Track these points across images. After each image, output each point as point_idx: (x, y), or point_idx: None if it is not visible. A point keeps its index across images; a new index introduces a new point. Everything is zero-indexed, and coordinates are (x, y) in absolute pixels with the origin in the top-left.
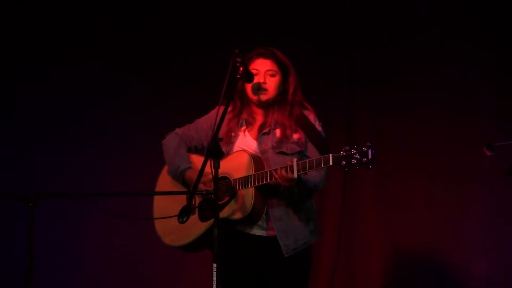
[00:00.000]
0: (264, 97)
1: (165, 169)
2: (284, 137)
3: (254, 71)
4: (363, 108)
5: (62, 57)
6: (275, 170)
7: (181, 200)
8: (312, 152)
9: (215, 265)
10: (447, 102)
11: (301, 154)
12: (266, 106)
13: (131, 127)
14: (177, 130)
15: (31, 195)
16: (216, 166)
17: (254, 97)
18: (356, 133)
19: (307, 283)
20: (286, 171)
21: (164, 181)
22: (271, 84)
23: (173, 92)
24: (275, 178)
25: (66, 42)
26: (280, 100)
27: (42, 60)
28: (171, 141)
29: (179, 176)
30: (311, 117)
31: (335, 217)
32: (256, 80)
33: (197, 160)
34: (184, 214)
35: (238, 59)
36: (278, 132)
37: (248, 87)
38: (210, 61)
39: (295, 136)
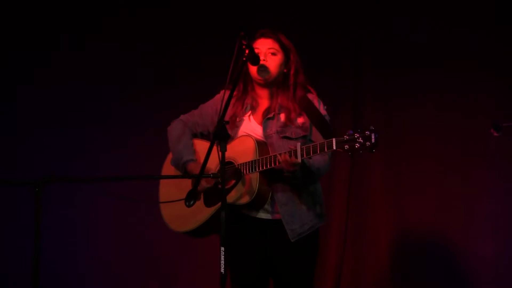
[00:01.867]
0: (266, 76)
1: (170, 156)
2: (289, 121)
3: (256, 50)
4: (370, 92)
5: (73, 41)
6: (279, 154)
7: (186, 186)
8: (317, 136)
9: (222, 248)
10: (454, 85)
11: (306, 139)
12: (268, 86)
13: (138, 112)
14: (182, 117)
15: (37, 180)
16: (223, 150)
17: (258, 77)
18: (364, 118)
19: (314, 266)
20: (290, 156)
21: (169, 168)
22: (272, 63)
23: (179, 76)
24: (279, 162)
25: (72, 24)
26: (282, 81)
27: (46, 43)
28: (176, 129)
29: (181, 168)
30: (315, 101)
31: (343, 201)
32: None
33: (202, 146)
34: (191, 198)
35: (244, 42)
36: (282, 116)
37: (252, 68)
38: (214, 46)
39: (300, 121)
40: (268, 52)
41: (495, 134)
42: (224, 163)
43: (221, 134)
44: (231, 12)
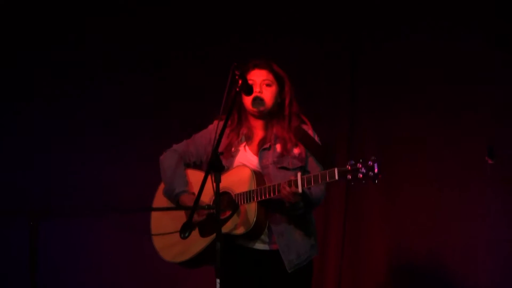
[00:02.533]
0: (262, 108)
1: (162, 186)
2: (285, 151)
3: (250, 82)
4: (366, 111)
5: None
6: (280, 184)
7: (179, 217)
8: (313, 166)
9: (218, 280)
10: (451, 107)
11: (302, 169)
12: (264, 117)
13: (130, 142)
14: (175, 146)
15: (33, 212)
16: (217, 180)
17: (253, 109)
18: (359, 137)
19: None
20: (290, 186)
21: (161, 198)
22: (268, 94)
23: (172, 105)
24: (278, 192)
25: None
26: (277, 112)
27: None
28: (169, 159)
29: (173, 199)
30: (310, 131)
31: (339, 226)
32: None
33: (195, 176)
34: (186, 230)
35: (237, 72)
36: (278, 147)
37: (247, 99)
38: (210, 68)
39: (296, 151)
40: (263, 83)
41: (490, 161)
42: (219, 194)
43: (216, 165)
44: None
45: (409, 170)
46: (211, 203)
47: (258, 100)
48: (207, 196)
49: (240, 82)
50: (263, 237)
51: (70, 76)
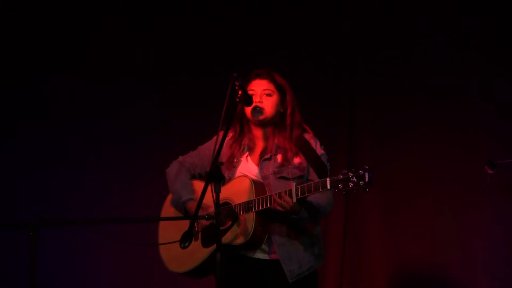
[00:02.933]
0: (261, 117)
1: (169, 198)
2: (286, 161)
3: (251, 92)
4: (366, 130)
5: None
6: (274, 195)
7: (183, 227)
8: (314, 175)
9: None
10: (450, 123)
11: (303, 179)
12: (265, 127)
13: (137, 153)
14: (180, 158)
15: (32, 223)
16: (217, 190)
17: (252, 118)
18: (359, 156)
19: None
20: (286, 196)
21: (169, 209)
22: (268, 104)
23: (177, 117)
24: (274, 202)
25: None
26: (278, 122)
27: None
28: (174, 170)
29: (180, 207)
30: (312, 140)
31: (339, 239)
32: (253, 99)
33: (200, 187)
34: (186, 239)
35: (237, 83)
36: (279, 157)
37: (247, 109)
38: (213, 82)
39: (296, 161)
40: (263, 93)
41: (490, 171)
42: (219, 204)
43: (215, 175)
44: (229, 55)
45: (408, 183)
46: (212, 214)
47: (257, 110)
48: (208, 210)
49: (240, 92)
50: (263, 246)
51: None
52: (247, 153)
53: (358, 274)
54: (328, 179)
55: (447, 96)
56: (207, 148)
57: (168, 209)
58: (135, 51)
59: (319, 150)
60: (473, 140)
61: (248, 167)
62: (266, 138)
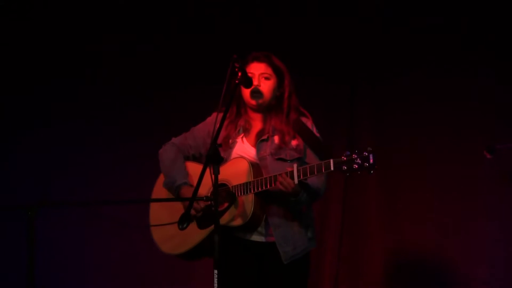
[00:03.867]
0: (260, 101)
1: (161, 178)
2: (283, 143)
3: (249, 75)
4: (366, 113)
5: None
6: (276, 176)
7: (178, 209)
8: (311, 158)
9: (216, 271)
10: (450, 109)
11: (300, 161)
12: (262, 110)
13: (130, 134)
14: (174, 140)
15: (30, 204)
16: (216, 172)
17: (251, 101)
18: (359, 139)
19: None
20: (287, 177)
21: (160, 190)
22: (266, 87)
23: (170, 98)
24: (275, 184)
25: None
26: (275, 105)
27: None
28: (168, 152)
29: (174, 191)
30: (309, 123)
31: (337, 222)
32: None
33: (195, 168)
34: (184, 221)
35: (237, 64)
36: (276, 138)
37: (245, 92)
38: (210, 68)
39: (294, 143)
40: (261, 76)
41: (488, 156)
42: (217, 186)
43: (214, 157)
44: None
45: (407, 166)
46: (209, 195)
47: (256, 93)
48: (205, 188)
49: (239, 74)
50: (260, 229)
51: None
52: (243, 134)
53: (355, 258)
54: (331, 160)
55: (448, 80)
56: (201, 129)
57: (159, 190)
58: None
59: (316, 133)
60: (474, 125)
61: (244, 148)
62: (263, 120)
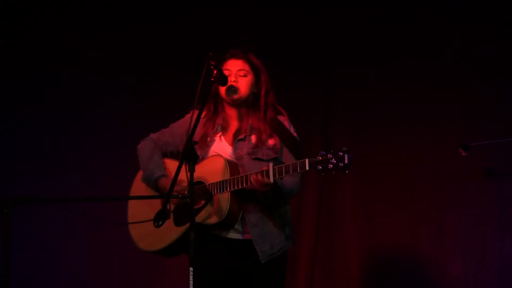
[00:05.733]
0: (235, 96)
1: (139, 175)
2: (260, 142)
3: (226, 72)
4: (340, 111)
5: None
6: (251, 175)
7: (156, 206)
8: (287, 157)
9: (191, 268)
10: (422, 106)
11: (277, 160)
12: (239, 107)
13: (107, 130)
14: (152, 136)
15: (6, 201)
16: (191, 170)
17: (226, 97)
18: (332, 136)
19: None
20: (262, 176)
21: (138, 187)
22: (243, 84)
23: (149, 94)
24: (251, 183)
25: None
26: (253, 102)
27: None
28: (146, 147)
29: (152, 184)
30: (286, 122)
31: (312, 221)
32: (228, 79)
33: (172, 165)
34: (159, 218)
35: (212, 62)
36: (253, 138)
37: (222, 89)
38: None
39: (270, 142)
40: (238, 73)
41: (464, 153)
42: (193, 184)
43: (190, 154)
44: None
45: (382, 165)
46: (185, 193)
47: (232, 89)
48: (182, 184)
49: (215, 72)
50: (236, 226)
51: None
52: (221, 132)
53: (331, 255)
54: (306, 160)
55: (421, 79)
56: (180, 126)
57: (138, 186)
58: None
59: (293, 133)
60: (447, 123)
61: (221, 147)
62: (240, 118)
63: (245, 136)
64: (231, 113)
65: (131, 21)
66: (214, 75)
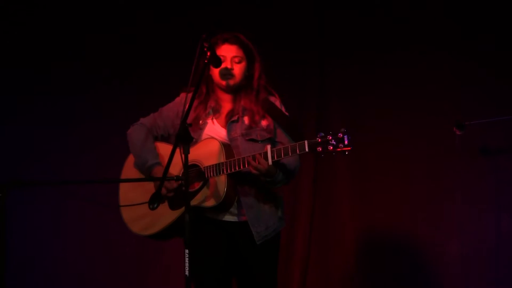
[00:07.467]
0: (231, 82)
1: (130, 159)
2: (253, 123)
3: (220, 57)
4: (335, 93)
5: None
6: (249, 157)
7: (148, 189)
8: (282, 137)
9: (187, 251)
10: (418, 86)
11: (271, 141)
12: (232, 91)
13: (98, 114)
14: (142, 120)
15: (1, 184)
16: (186, 152)
17: (221, 82)
18: (328, 118)
19: (276, 268)
20: (261, 159)
21: (130, 171)
22: (238, 70)
23: (138, 80)
24: (248, 165)
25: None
26: (245, 85)
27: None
28: (137, 132)
29: (146, 171)
30: (277, 102)
31: (307, 208)
32: (223, 65)
33: (164, 149)
34: (154, 201)
35: (206, 44)
36: (246, 119)
37: (215, 72)
38: (178, 45)
39: (264, 123)
40: (234, 60)
41: (458, 132)
42: (187, 166)
43: (184, 137)
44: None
45: (377, 149)
46: (180, 175)
47: (228, 75)
48: (177, 169)
49: (208, 54)
50: (232, 209)
51: None
52: (213, 115)
53: (327, 237)
54: (306, 142)
55: (416, 61)
56: (170, 110)
57: (129, 170)
58: None
59: (285, 113)
60: (442, 103)
61: (214, 129)
62: (232, 101)
63: (238, 118)
64: (223, 95)
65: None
66: (207, 57)
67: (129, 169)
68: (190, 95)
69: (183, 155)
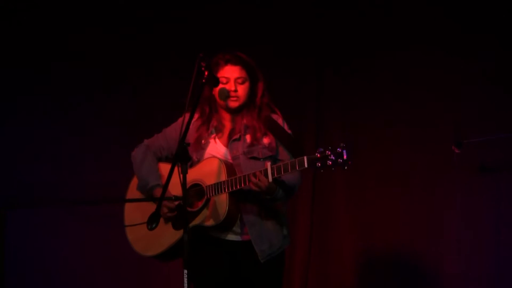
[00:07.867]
0: (235, 104)
1: (135, 180)
2: (255, 140)
3: (223, 79)
4: (334, 109)
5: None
6: (249, 175)
7: (151, 210)
8: (284, 155)
9: (185, 271)
10: (416, 102)
11: (273, 159)
12: (236, 111)
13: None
14: (146, 142)
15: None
16: (184, 171)
17: (225, 104)
18: (327, 136)
19: (282, 286)
20: (261, 176)
21: (134, 191)
22: (242, 91)
23: (141, 101)
24: (248, 183)
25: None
26: (248, 103)
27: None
28: (141, 154)
29: (147, 193)
30: (280, 120)
31: (306, 220)
32: (227, 88)
33: (167, 170)
34: (153, 221)
35: (203, 63)
36: (248, 137)
37: (217, 93)
38: (178, 67)
39: (266, 141)
40: (237, 81)
41: (457, 151)
42: (186, 185)
43: (182, 156)
44: (196, 35)
45: (376, 163)
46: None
47: (233, 98)
48: (177, 188)
49: (206, 73)
50: (235, 228)
51: None
52: (215, 134)
53: (326, 249)
54: (305, 157)
55: (415, 73)
56: (174, 130)
57: (133, 192)
58: None
59: (287, 130)
60: (441, 120)
61: (217, 148)
62: (234, 119)
63: (239, 136)
64: (226, 115)
65: (131, 21)
66: (205, 76)
67: (133, 190)
68: (188, 115)
69: (181, 175)
